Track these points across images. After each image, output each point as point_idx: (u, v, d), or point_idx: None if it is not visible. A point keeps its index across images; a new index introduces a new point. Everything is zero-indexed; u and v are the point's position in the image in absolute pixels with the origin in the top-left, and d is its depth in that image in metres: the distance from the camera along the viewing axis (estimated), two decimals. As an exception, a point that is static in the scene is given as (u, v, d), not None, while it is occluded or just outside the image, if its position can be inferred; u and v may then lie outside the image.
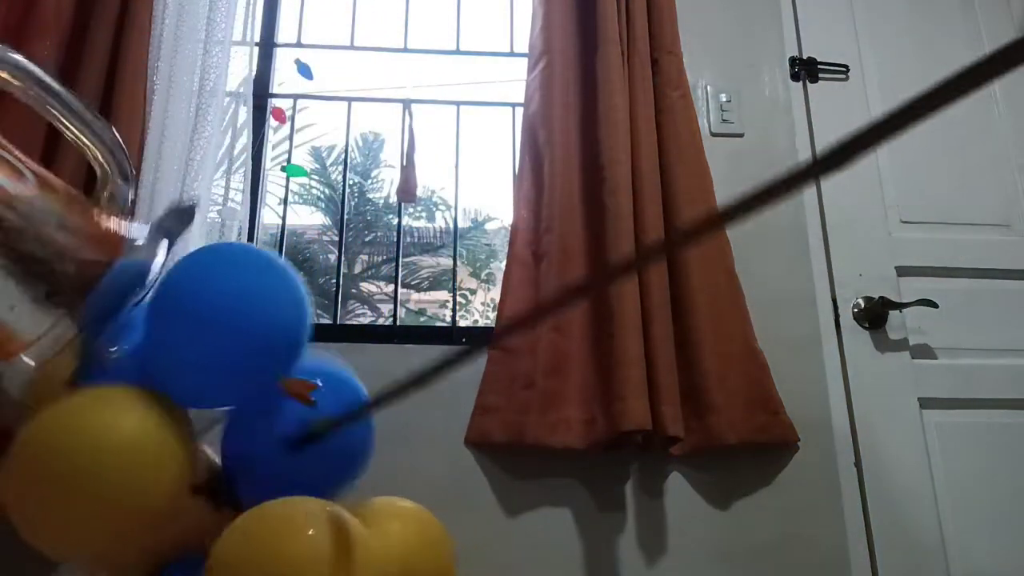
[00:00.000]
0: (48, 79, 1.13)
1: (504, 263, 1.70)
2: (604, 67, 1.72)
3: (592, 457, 1.57)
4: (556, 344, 1.58)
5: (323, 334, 1.75)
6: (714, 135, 1.88)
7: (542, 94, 1.75)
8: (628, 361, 1.49)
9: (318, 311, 6.68)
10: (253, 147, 1.74)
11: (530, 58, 1.81)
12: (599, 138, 1.68)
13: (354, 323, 6.10)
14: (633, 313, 1.54)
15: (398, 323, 1.82)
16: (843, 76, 1.96)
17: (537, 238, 1.67)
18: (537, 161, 1.72)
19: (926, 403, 1.71)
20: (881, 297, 1.74)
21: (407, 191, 1.82)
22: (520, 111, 1.96)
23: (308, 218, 7.10)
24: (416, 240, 7.20)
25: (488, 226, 7.29)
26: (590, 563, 1.54)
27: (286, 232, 2.02)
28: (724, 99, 1.92)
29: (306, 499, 0.99)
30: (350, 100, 2.00)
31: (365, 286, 7.12)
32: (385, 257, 7.10)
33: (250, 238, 1.71)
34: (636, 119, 1.71)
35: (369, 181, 7.26)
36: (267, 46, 1.95)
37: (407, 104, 1.91)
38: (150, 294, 1.08)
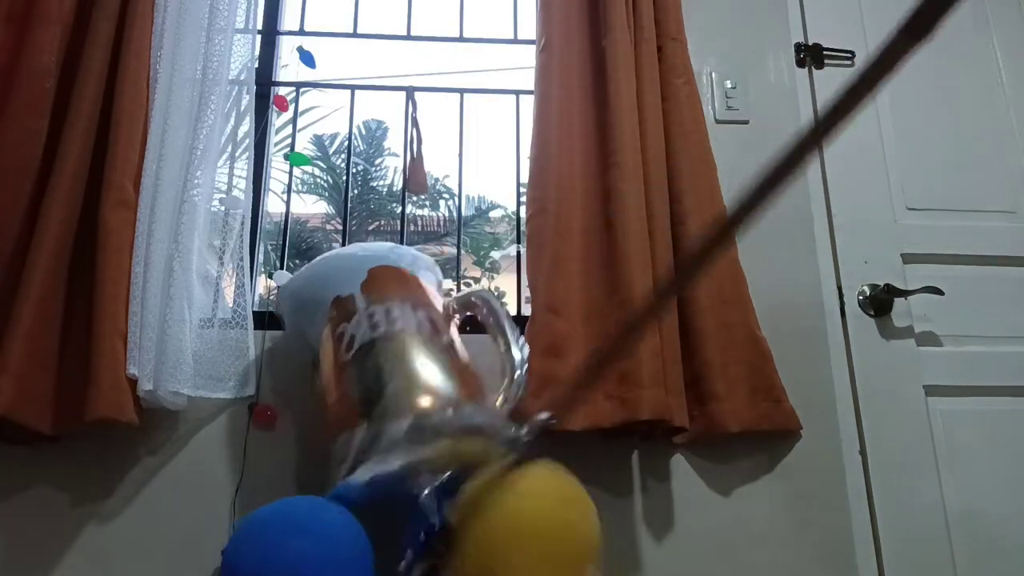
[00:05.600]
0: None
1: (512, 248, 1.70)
2: (612, 53, 1.71)
3: (591, 443, 1.56)
4: (551, 325, 1.57)
5: (327, 323, 1.75)
6: (719, 122, 1.87)
7: (542, 74, 1.74)
8: (644, 350, 1.49)
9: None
10: (256, 135, 1.74)
11: (537, 41, 1.81)
12: (608, 123, 1.68)
13: (358, 311, 6.08)
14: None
15: (402, 311, 1.81)
16: (849, 62, 1.95)
17: (532, 218, 1.66)
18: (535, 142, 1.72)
19: (931, 390, 1.70)
20: (886, 284, 1.74)
21: (418, 183, 1.82)
22: (524, 98, 1.96)
23: (312, 206, 7.10)
24: (420, 229, 7.20)
25: (492, 214, 7.28)
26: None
27: (290, 221, 2.02)
28: (729, 86, 1.91)
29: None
30: (353, 88, 1.99)
31: (369, 275, 7.12)
32: (389, 246, 7.09)
33: (253, 227, 1.71)
34: (643, 107, 1.70)
35: (373, 169, 7.25)
36: (270, 34, 1.94)
37: (410, 92, 1.91)
38: None
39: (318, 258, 1.53)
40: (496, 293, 6.98)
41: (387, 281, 1.38)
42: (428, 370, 1.24)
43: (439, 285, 1.52)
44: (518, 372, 1.34)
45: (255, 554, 1.00)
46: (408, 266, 1.45)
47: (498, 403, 1.31)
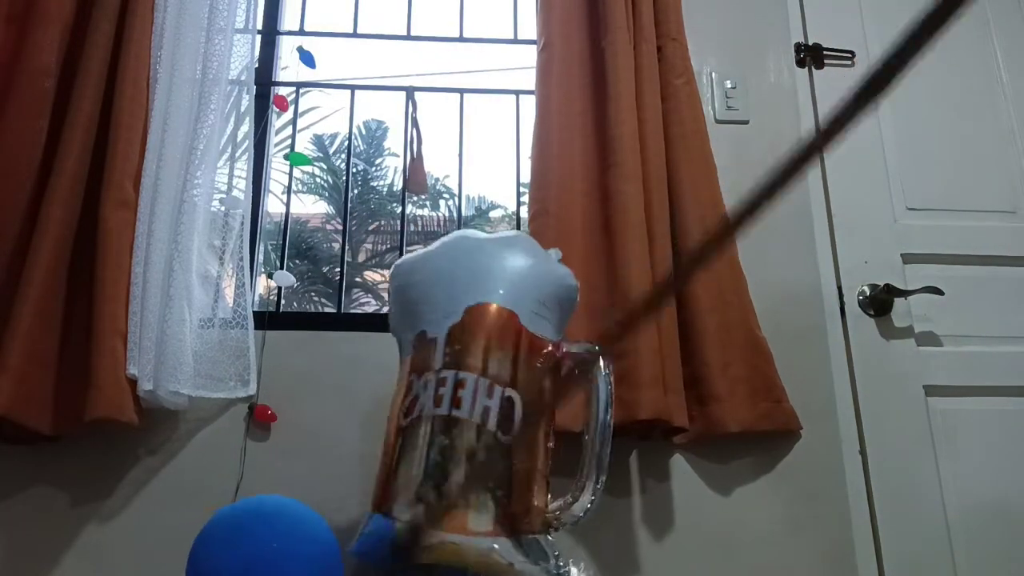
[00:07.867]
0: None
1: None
2: (612, 54, 1.71)
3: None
4: None
5: (327, 323, 1.75)
6: (719, 122, 1.87)
7: (542, 74, 1.75)
8: (644, 350, 1.49)
9: (322, 300, 6.69)
10: (256, 135, 1.74)
11: (537, 41, 1.81)
12: (607, 124, 1.68)
13: (358, 311, 6.10)
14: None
15: (402, 311, 1.81)
16: (849, 62, 1.95)
17: (533, 219, 1.66)
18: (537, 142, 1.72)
19: (931, 390, 1.70)
20: (886, 284, 1.74)
21: (418, 183, 1.82)
22: (524, 98, 1.96)
23: (312, 207, 7.11)
24: (420, 229, 7.20)
25: (492, 214, 7.28)
26: (591, 549, 1.54)
27: (289, 221, 2.02)
28: (729, 85, 1.91)
29: None
30: (353, 88, 1.99)
31: (369, 275, 7.14)
32: (389, 246, 7.11)
33: (253, 227, 1.71)
34: (643, 108, 1.70)
35: (373, 169, 7.25)
36: (270, 34, 1.94)
37: (410, 92, 1.91)
38: None
39: (446, 243, 1.20)
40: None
41: (479, 331, 1.07)
42: (471, 483, 1.00)
43: (571, 310, 1.21)
44: (594, 484, 1.07)
45: (222, 550, 0.99)
46: (518, 303, 1.10)
47: (561, 505, 1.09)
